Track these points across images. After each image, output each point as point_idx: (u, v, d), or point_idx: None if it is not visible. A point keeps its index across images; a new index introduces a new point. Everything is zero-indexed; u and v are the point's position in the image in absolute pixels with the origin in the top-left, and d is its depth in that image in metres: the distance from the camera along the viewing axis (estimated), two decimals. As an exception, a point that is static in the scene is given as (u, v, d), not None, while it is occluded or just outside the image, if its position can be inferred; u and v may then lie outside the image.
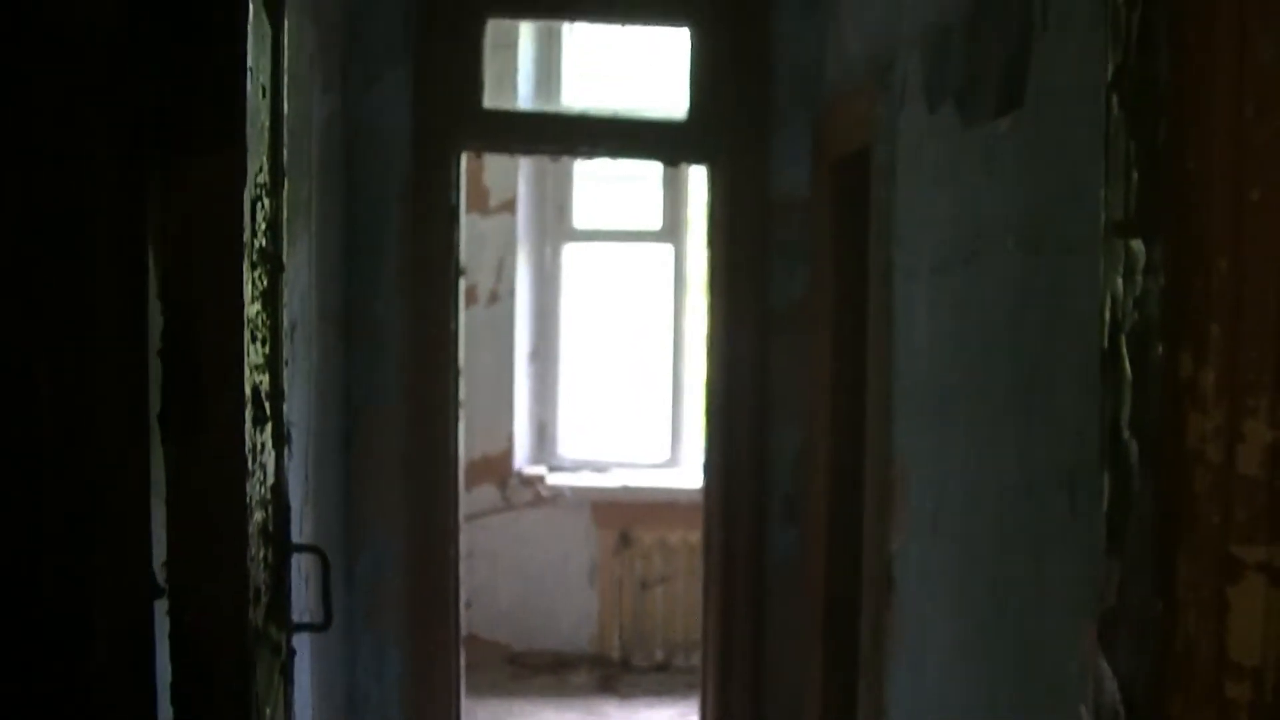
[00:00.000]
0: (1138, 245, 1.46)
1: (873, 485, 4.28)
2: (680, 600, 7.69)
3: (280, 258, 2.17)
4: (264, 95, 1.96)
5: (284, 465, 2.31)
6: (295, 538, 4.39)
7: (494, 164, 7.66)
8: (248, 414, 1.74)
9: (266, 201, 2.04)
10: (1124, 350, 1.50)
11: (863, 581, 4.41)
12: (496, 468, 7.88)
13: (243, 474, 1.70)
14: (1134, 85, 1.47)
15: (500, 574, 7.80)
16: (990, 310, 3.14)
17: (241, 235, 1.65)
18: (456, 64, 5.40)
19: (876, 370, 4.26)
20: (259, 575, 1.98)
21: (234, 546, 1.68)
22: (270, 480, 2.13)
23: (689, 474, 7.71)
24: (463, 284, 5.56)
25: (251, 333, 1.77)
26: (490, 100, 5.66)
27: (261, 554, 2.02)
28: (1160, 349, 1.43)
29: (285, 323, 2.42)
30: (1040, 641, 2.80)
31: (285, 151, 2.30)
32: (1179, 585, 1.43)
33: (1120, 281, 1.50)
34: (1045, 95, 2.80)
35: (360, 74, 5.31)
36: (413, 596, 5.47)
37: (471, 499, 7.49)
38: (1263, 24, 1.40)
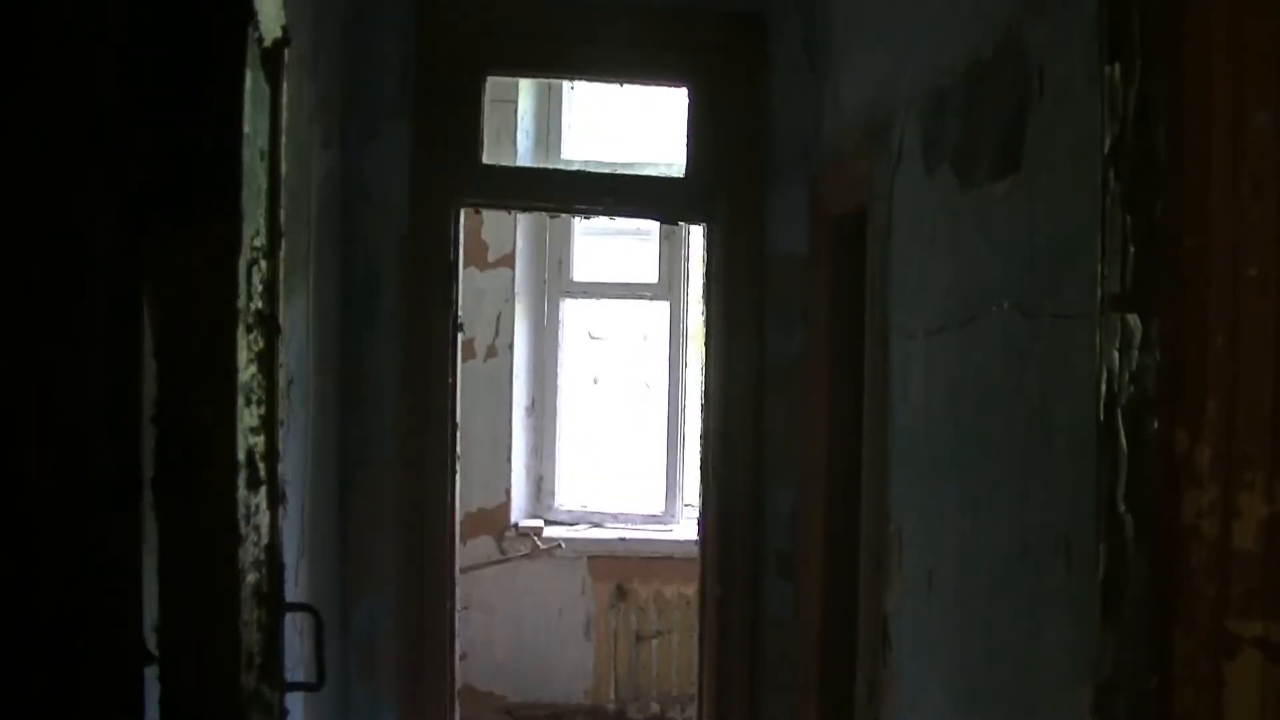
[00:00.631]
0: (1134, 320, 1.46)
1: (868, 544, 4.26)
2: (676, 653, 7.65)
3: (276, 320, 2.17)
4: (261, 158, 1.97)
5: (278, 525, 2.30)
6: (290, 594, 4.37)
7: (493, 218, 7.63)
8: (241, 478, 1.74)
9: (263, 264, 2.04)
10: (1120, 424, 1.49)
11: (858, 640, 4.38)
12: (493, 520, 7.83)
13: (235, 539, 1.69)
14: (1130, 160, 1.48)
15: (496, 626, 7.75)
16: (987, 373, 3.14)
17: (236, 301, 1.64)
18: (456, 120, 5.41)
19: (872, 430, 4.25)
20: (252, 637, 1.97)
21: (227, 612, 1.67)
22: (264, 540, 2.13)
23: (685, 528, 7.69)
24: (460, 338, 5.56)
25: (246, 396, 1.77)
26: (489, 155, 5.67)
27: (255, 615, 2.01)
28: (1156, 424, 1.43)
29: (281, 382, 2.42)
30: (1037, 704, 2.78)
31: (283, 213, 2.30)
32: (1175, 659, 1.43)
33: (1117, 355, 1.50)
34: (1042, 160, 2.81)
35: (359, 130, 5.32)
36: (408, 650, 5.43)
37: (468, 551, 7.45)
38: (1260, 100, 1.41)
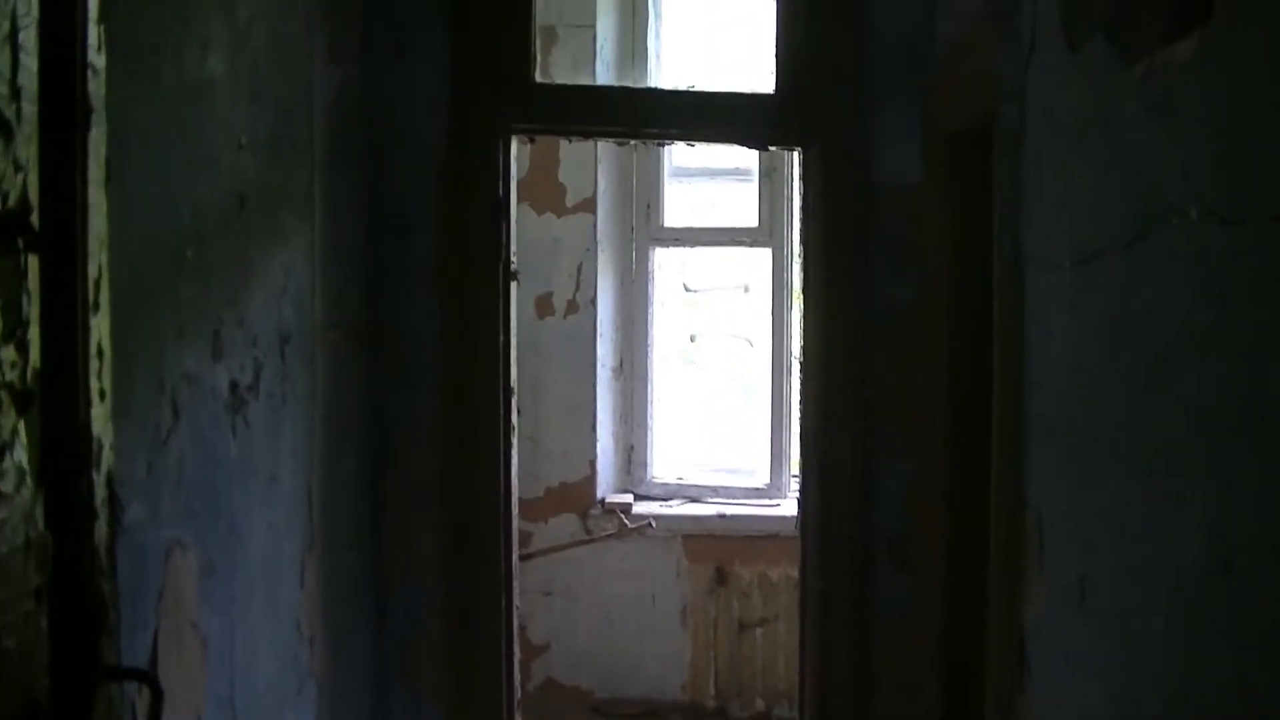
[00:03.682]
0: None
1: (998, 536, 3.42)
2: (783, 643, 6.97)
3: (47, 227, 1.36)
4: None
5: (94, 544, 1.51)
6: (295, 597, 3.60)
7: (570, 158, 6.93)
8: None
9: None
10: None
11: (987, 656, 3.54)
12: (577, 496, 7.20)
13: None
14: None
15: (582, 613, 7.17)
16: (1165, 309, 2.28)
17: None
18: (503, 32, 4.61)
19: (1003, 392, 3.41)
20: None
21: None
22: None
23: (793, 503, 6.91)
24: (515, 288, 4.75)
25: None
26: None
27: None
28: None
29: (98, 321, 1.61)
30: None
31: (92, 78, 1.51)
32: None
33: None
34: (1253, -5, 1.94)
35: (387, 43, 4.54)
36: (456, 649, 4.72)
37: (548, 531, 7.06)
38: None
